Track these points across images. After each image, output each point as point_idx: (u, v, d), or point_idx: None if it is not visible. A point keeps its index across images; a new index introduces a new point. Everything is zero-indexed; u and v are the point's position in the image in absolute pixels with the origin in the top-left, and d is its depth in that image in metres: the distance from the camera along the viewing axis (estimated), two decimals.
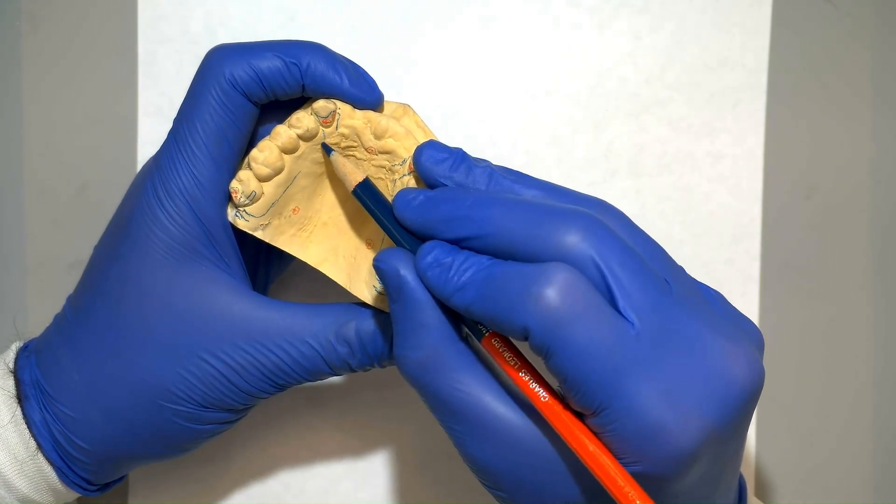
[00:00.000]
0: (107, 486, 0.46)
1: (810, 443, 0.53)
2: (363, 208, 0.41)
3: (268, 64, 0.41)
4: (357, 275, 0.43)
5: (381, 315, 0.42)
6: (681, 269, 0.38)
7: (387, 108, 0.43)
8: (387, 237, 0.42)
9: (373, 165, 0.42)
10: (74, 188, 0.51)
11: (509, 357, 0.37)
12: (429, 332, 0.38)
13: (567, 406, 0.36)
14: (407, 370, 0.38)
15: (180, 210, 0.41)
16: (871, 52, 0.52)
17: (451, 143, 0.42)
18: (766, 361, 0.39)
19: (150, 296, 0.42)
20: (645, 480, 0.35)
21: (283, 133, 0.41)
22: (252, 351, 0.42)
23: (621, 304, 0.35)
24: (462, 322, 0.39)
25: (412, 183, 0.41)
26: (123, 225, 0.43)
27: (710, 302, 0.38)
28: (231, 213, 0.42)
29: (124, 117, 0.51)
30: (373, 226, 0.44)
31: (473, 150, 0.50)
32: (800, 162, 0.52)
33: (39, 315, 0.49)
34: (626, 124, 0.51)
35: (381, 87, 0.43)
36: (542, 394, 0.36)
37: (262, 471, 0.52)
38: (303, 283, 0.51)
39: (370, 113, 0.42)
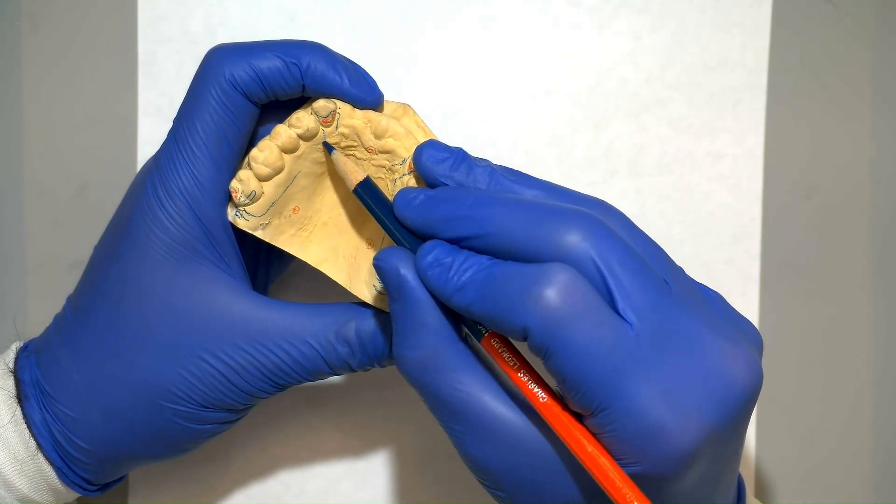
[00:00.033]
0: (107, 486, 0.46)
1: (810, 443, 0.53)
2: (363, 208, 0.41)
3: (268, 64, 0.41)
4: (357, 274, 0.43)
5: (382, 315, 0.42)
6: (680, 270, 0.38)
7: (387, 107, 0.43)
8: (387, 237, 0.42)
9: (373, 165, 0.42)
10: (74, 188, 0.51)
11: (508, 357, 0.37)
12: (428, 331, 0.38)
13: (566, 407, 0.36)
14: (406, 370, 0.38)
15: (180, 210, 0.41)
16: (871, 52, 0.52)
17: (451, 143, 0.42)
18: (766, 361, 0.39)
19: (150, 296, 0.42)
20: (644, 481, 0.35)
21: (283, 133, 0.41)
22: (252, 351, 0.42)
23: (621, 304, 0.35)
24: (462, 322, 0.39)
25: (412, 182, 0.41)
26: (123, 225, 0.43)
27: (710, 303, 0.38)
28: (231, 212, 0.42)
29: (124, 117, 0.51)
30: (373, 225, 0.44)
31: (473, 150, 0.50)
32: (800, 162, 0.52)
33: (39, 315, 0.49)
34: (626, 124, 0.51)
35: (382, 86, 0.43)
36: (541, 394, 0.36)
37: (262, 471, 0.52)
38: (303, 283, 0.51)
39: (370, 112, 0.42)
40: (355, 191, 0.41)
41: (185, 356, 0.42)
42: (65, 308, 0.45)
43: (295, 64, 0.41)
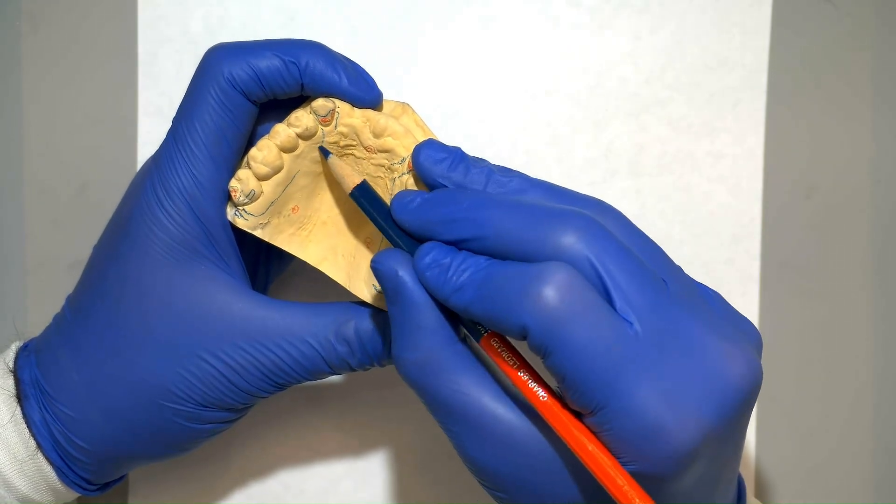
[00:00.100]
0: (107, 485, 0.46)
1: (810, 443, 0.53)
2: None
3: (266, 63, 0.41)
4: (356, 274, 0.43)
5: (381, 314, 0.42)
6: (679, 270, 0.38)
7: (386, 106, 0.43)
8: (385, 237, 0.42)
9: (372, 164, 0.42)
10: (74, 188, 0.51)
11: (508, 357, 0.37)
12: (427, 333, 0.38)
13: (566, 406, 0.36)
14: (405, 371, 0.38)
15: (179, 209, 0.41)
16: (871, 52, 0.52)
17: (451, 143, 0.42)
18: (766, 361, 0.39)
19: (149, 295, 0.42)
20: (643, 480, 0.35)
21: (282, 132, 0.41)
22: (252, 350, 0.42)
23: (618, 304, 0.35)
24: (460, 323, 0.39)
25: (411, 181, 0.41)
26: (123, 224, 0.43)
27: (709, 302, 0.38)
28: (230, 212, 0.42)
29: (124, 117, 0.51)
30: (372, 225, 0.44)
31: (473, 150, 0.50)
32: (800, 162, 0.52)
33: (39, 315, 0.49)
34: (626, 124, 0.51)
35: (381, 86, 0.43)
36: (541, 393, 0.36)
37: (261, 471, 0.52)
38: (303, 283, 0.51)
39: (369, 112, 0.42)
40: (352, 195, 0.41)
41: (185, 356, 0.42)
42: (64, 308, 0.45)
43: (294, 63, 0.41)
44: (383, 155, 0.42)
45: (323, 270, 0.43)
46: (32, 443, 0.43)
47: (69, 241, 0.51)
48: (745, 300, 0.52)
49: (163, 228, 0.42)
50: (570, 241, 0.36)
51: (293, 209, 0.43)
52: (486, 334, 0.38)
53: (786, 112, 0.51)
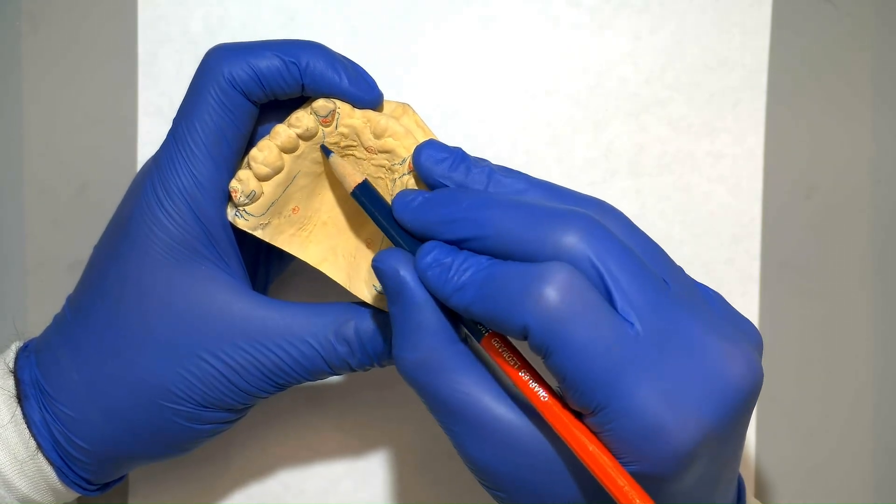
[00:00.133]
0: (107, 485, 0.46)
1: (810, 443, 0.53)
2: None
3: (267, 63, 0.41)
4: (357, 274, 0.43)
5: (381, 314, 0.42)
6: (680, 270, 0.38)
7: (386, 107, 0.43)
8: (386, 237, 0.42)
9: (372, 165, 0.42)
10: (74, 188, 0.51)
11: (508, 357, 0.37)
12: (428, 332, 0.38)
13: (566, 406, 0.36)
14: (406, 371, 0.38)
15: (180, 210, 0.41)
16: (871, 52, 0.52)
17: (451, 143, 0.42)
18: (766, 361, 0.39)
19: (149, 295, 0.42)
20: (643, 480, 0.35)
21: (283, 132, 0.41)
22: (252, 350, 0.42)
23: (619, 304, 0.35)
24: (461, 323, 0.39)
25: (412, 182, 0.41)
26: (123, 224, 0.43)
27: (709, 302, 0.38)
28: (231, 212, 0.42)
29: (124, 117, 0.51)
30: (372, 225, 0.44)
31: (473, 150, 0.50)
32: (800, 162, 0.52)
33: (39, 315, 0.49)
34: (626, 124, 0.51)
35: (381, 86, 0.43)
36: (542, 393, 0.36)
37: (261, 471, 0.52)
38: (303, 283, 0.51)
39: (369, 112, 0.42)
40: (353, 194, 0.41)
41: (185, 356, 0.42)
42: (64, 308, 0.45)
43: (294, 63, 0.41)
44: (384, 155, 0.42)
45: (323, 271, 0.43)
46: (32, 443, 0.43)
47: (69, 241, 0.51)
48: (745, 300, 0.52)
49: (163, 228, 0.42)
50: (572, 241, 0.36)
51: (293, 210, 0.43)
52: (486, 334, 0.38)
53: (786, 112, 0.51)
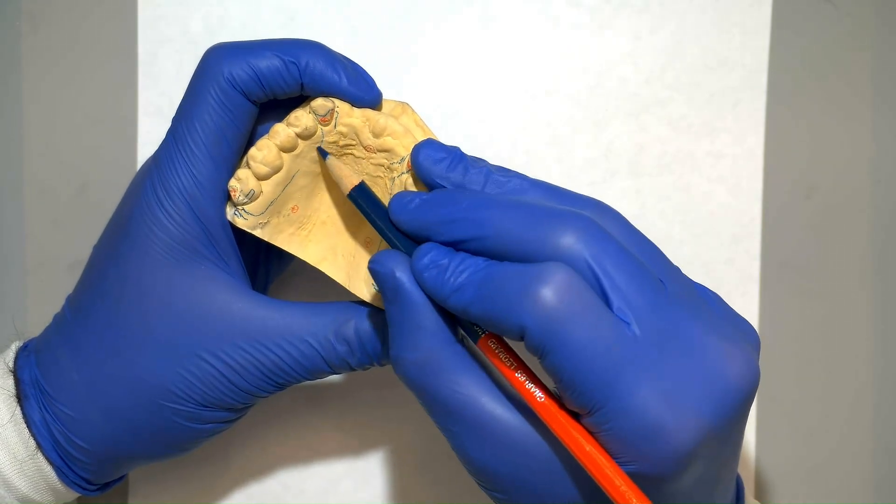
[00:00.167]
0: (107, 485, 0.46)
1: (810, 443, 0.53)
2: None
3: (266, 63, 0.41)
4: (356, 273, 0.43)
5: (381, 314, 0.42)
6: (677, 270, 0.38)
7: (385, 106, 0.43)
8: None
9: (371, 164, 0.42)
10: (74, 188, 0.51)
11: (505, 358, 0.37)
12: (425, 334, 0.38)
13: (563, 406, 0.36)
14: (403, 372, 0.38)
15: (179, 209, 0.41)
16: (871, 52, 0.52)
17: (451, 143, 0.42)
18: (766, 362, 0.39)
19: (149, 295, 0.42)
20: (642, 480, 0.35)
21: (282, 132, 0.41)
22: (251, 350, 0.42)
23: (616, 305, 0.35)
24: (458, 324, 0.39)
25: (410, 181, 0.41)
26: (123, 224, 0.43)
27: (708, 302, 0.38)
28: (230, 211, 0.42)
29: (124, 117, 0.51)
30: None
31: (473, 150, 0.50)
32: (800, 162, 0.52)
33: (39, 315, 0.49)
34: (626, 124, 0.51)
35: (381, 86, 0.43)
36: (539, 394, 0.36)
37: (261, 471, 0.52)
38: (303, 283, 0.51)
39: (369, 111, 0.42)
40: (350, 196, 0.41)
41: (185, 356, 0.42)
42: (64, 308, 0.45)
43: (293, 63, 0.41)
44: (383, 154, 0.42)
45: (323, 270, 0.43)
46: (32, 443, 0.43)
47: (69, 241, 0.51)
48: (745, 300, 0.52)
49: (163, 228, 0.42)
50: (569, 241, 0.36)
51: (293, 209, 0.43)
52: (483, 335, 0.38)
53: (786, 112, 0.51)
